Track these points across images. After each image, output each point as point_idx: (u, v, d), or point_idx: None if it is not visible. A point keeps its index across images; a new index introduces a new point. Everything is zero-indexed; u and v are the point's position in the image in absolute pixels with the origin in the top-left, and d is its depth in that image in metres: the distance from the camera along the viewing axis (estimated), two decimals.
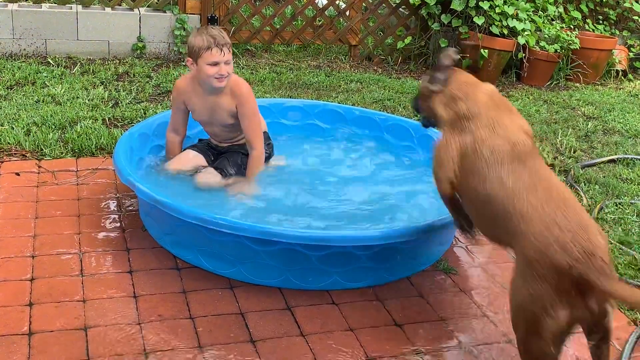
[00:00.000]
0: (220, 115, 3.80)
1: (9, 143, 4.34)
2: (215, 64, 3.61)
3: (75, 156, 4.30)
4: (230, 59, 3.66)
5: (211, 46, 3.59)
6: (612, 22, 8.47)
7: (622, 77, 7.99)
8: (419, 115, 3.06)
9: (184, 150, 3.96)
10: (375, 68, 7.35)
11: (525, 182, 2.46)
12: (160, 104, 5.35)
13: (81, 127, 4.65)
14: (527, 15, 7.14)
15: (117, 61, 6.45)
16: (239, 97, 3.75)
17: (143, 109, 5.17)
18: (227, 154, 3.90)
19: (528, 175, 2.48)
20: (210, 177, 3.75)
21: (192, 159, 3.89)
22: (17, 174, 3.99)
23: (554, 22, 7.70)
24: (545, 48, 7.25)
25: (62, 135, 4.54)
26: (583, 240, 2.25)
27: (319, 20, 7.42)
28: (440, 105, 2.80)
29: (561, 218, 2.32)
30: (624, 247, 3.74)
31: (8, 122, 4.65)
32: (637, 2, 8.30)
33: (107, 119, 4.93)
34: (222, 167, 3.81)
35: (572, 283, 2.24)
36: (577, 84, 7.54)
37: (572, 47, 7.40)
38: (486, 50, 6.92)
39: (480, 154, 2.56)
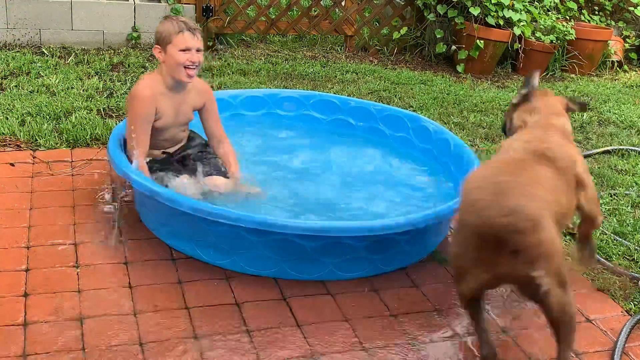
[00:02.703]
0: (184, 112, 3.61)
1: (3, 133, 4.32)
2: (187, 49, 3.38)
3: (70, 147, 4.29)
4: (202, 47, 3.46)
5: (183, 30, 3.38)
6: (608, 12, 8.47)
7: (618, 68, 7.99)
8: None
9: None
10: (370, 59, 7.33)
11: None
12: None
13: (76, 117, 4.64)
14: (523, 5, 7.13)
15: (112, 51, 6.42)
16: (206, 92, 3.67)
17: None
18: (200, 161, 3.71)
19: None
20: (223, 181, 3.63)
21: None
22: (12, 165, 3.97)
23: (549, 13, 7.70)
24: (541, 39, 7.25)
25: (57, 125, 4.53)
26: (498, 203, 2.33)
27: (315, 11, 7.40)
28: None
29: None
30: (618, 238, 3.75)
31: (2, 113, 4.63)
32: None
33: (101, 109, 4.91)
34: (218, 171, 3.68)
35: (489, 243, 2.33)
36: (573, 75, 7.54)
37: (567, 37, 7.40)
38: (482, 41, 6.91)
39: None
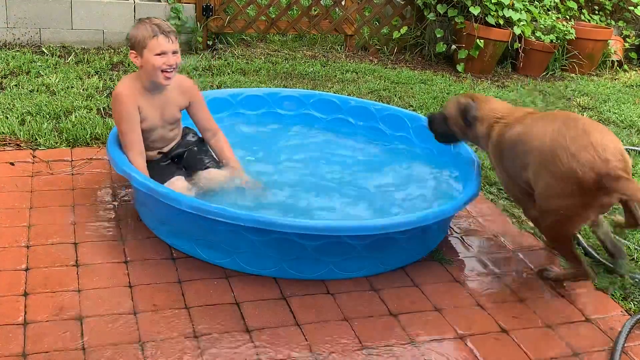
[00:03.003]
0: (170, 112, 3.60)
1: (3, 133, 4.32)
2: (163, 53, 3.36)
3: (69, 146, 4.29)
4: (178, 48, 3.43)
5: (157, 34, 3.34)
6: (608, 12, 8.47)
7: (618, 68, 8.00)
8: None
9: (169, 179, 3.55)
10: (370, 58, 7.33)
11: None
12: None
13: (76, 116, 4.64)
14: (523, 5, 7.13)
15: (112, 50, 6.42)
16: (189, 90, 3.65)
17: None
18: (192, 154, 3.73)
19: None
20: (218, 173, 3.65)
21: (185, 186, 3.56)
22: (12, 164, 3.97)
23: (549, 13, 7.70)
24: (540, 38, 7.25)
25: (57, 125, 4.53)
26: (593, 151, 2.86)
27: (315, 10, 7.40)
28: None
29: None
30: (619, 238, 3.74)
31: (2, 112, 4.63)
32: None
33: (101, 108, 4.91)
34: (213, 163, 3.69)
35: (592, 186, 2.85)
36: (573, 75, 7.54)
37: (567, 37, 7.39)
38: (482, 41, 6.91)
39: None
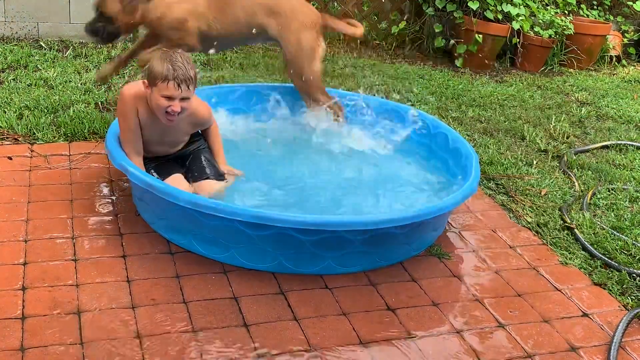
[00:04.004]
0: (174, 137, 3.55)
1: (1, 127, 4.31)
2: (169, 98, 3.23)
3: (67, 140, 4.28)
4: (190, 95, 3.26)
5: (168, 79, 3.18)
6: (607, 7, 8.46)
7: (616, 63, 8.00)
8: None
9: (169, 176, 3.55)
10: (369, 53, 7.32)
11: None
12: None
13: (74, 111, 4.63)
14: (522, 0, 7.13)
15: (110, 45, 6.40)
16: (203, 122, 3.60)
17: None
18: (197, 159, 3.68)
19: None
20: (217, 184, 3.58)
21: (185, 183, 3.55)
22: (10, 158, 3.97)
23: (548, 8, 7.69)
24: (539, 33, 7.25)
25: (55, 119, 4.52)
26: None
27: (313, 5, 7.38)
28: None
29: None
30: (616, 233, 3.76)
31: (0, 106, 4.62)
32: None
33: (99, 102, 4.90)
34: (214, 173, 3.63)
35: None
36: (571, 70, 7.54)
37: (566, 32, 7.39)
38: (480, 36, 6.91)
39: None
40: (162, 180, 3.41)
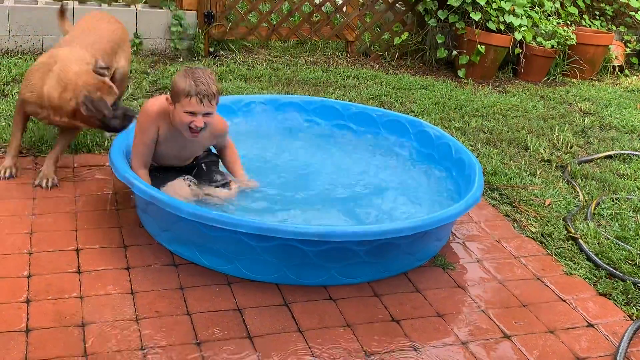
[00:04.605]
0: (191, 151, 3.61)
1: (5, 140, 4.33)
2: (192, 113, 3.27)
3: (71, 153, 4.29)
4: (213, 111, 3.30)
5: (191, 94, 3.21)
6: (609, 17, 8.47)
7: (619, 73, 8.00)
8: None
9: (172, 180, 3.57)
10: (372, 64, 7.34)
11: None
12: None
13: None
14: (524, 10, 7.14)
15: None
16: (220, 137, 3.61)
17: (140, 106, 5.15)
18: (206, 168, 3.73)
19: None
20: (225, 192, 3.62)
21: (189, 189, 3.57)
22: None
23: (550, 18, 7.70)
24: (542, 44, 7.26)
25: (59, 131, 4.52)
26: None
27: (316, 17, 7.41)
28: None
29: None
30: (621, 243, 3.75)
31: (4, 119, 4.64)
32: None
33: None
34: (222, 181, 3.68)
35: None
36: (574, 80, 7.54)
37: (568, 42, 7.40)
38: (483, 46, 6.92)
39: None
40: (165, 182, 3.47)
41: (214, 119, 3.38)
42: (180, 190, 3.48)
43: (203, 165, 3.72)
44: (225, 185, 3.65)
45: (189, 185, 3.55)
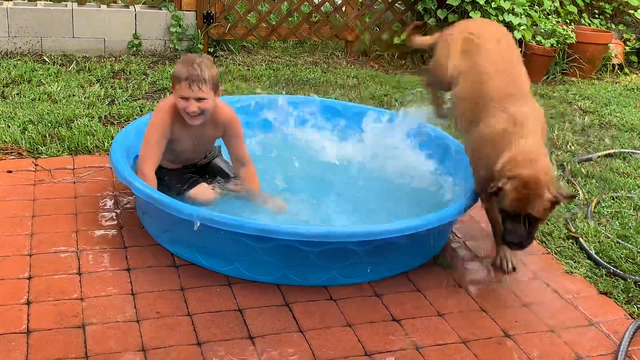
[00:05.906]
0: (203, 144, 3.67)
1: (5, 141, 4.33)
2: (185, 98, 3.33)
3: (71, 154, 4.29)
4: (206, 96, 3.32)
5: (181, 79, 3.29)
6: (608, 16, 8.47)
7: (618, 71, 7.99)
8: None
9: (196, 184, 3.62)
10: (371, 64, 7.34)
11: None
12: (157, 102, 5.34)
13: (77, 125, 4.65)
14: (523, 9, 7.14)
15: (113, 58, 6.43)
16: (225, 123, 3.58)
17: (139, 107, 5.17)
18: (215, 166, 3.82)
19: None
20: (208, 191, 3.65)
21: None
22: (9, 172, 3.97)
23: (550, 17, 7.70)
24: (541, 42, 7.25)
25: (59, 133, 4.53)
26: None
27: (315, 17, 7.41)
28: None
29: None
30: (621, 241, 3.75)
31: (4, 121, 4.64)
32: None
33: (103, 116, 4.92)
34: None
35: None
36: (574, 78, 7.54)
37: (568, 41, 7.39)
38: None
39: None
40: (186, 191, 3.51)
41: (208, 104, 3.38)
42: (205, 193, 3.54)
43: (212, 163, 3.81)
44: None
45: (213, 188, 3.59)
